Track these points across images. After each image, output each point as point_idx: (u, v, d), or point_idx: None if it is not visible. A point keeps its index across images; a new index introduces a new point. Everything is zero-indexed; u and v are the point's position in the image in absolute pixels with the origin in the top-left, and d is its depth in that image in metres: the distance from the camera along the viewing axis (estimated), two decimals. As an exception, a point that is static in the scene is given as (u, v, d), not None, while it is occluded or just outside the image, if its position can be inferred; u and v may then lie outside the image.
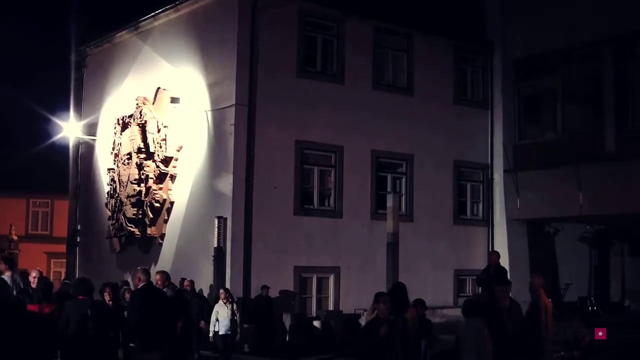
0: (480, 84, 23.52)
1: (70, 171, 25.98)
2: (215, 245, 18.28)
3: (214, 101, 19.34)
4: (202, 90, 19.66)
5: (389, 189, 21.04)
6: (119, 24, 23.34)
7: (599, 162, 20.10)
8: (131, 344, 11.14)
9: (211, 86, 19.50)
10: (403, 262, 18.46)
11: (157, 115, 20.56)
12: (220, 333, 15.43)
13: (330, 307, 19.82)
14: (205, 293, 18.38)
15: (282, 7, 19.61)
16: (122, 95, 23.02)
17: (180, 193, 20.16)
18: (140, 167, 20.52)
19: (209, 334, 15.51)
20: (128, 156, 21.24)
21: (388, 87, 21.60)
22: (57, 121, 24.64)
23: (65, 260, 27.01)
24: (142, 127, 20.64)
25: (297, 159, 19.61)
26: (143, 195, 20.49)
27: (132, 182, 20.76)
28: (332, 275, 20.06)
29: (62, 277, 26.53)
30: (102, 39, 24.47)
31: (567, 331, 11.89)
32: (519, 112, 22.99)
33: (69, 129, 24.32)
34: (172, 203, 20.36)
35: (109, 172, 22.49)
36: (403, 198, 21.18)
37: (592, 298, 23.04)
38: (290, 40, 19.74)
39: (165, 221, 20.43)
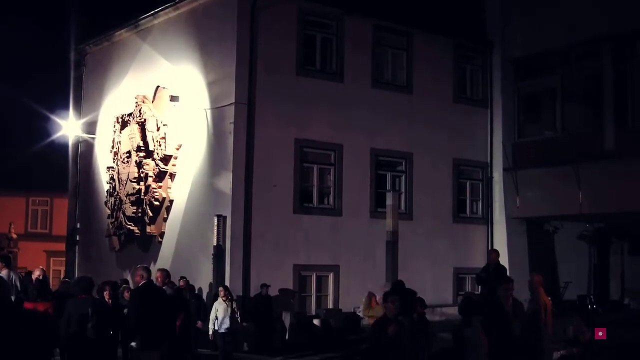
0: (479, 82, 23.51)
1: (70, 169, 25.98)
2: (215, 244, 18.29)
3: (214, 99, 19.33)
4: (201, 88, 19.66)
5: (388, 187, 21.05)
6: (118, 22, 23.32)
7: (599, 160, 20.11)
8: (132, 344, 11.12)
9: (210, 84, 19.49)
10: (402, 261, 18.50)
11: (156, 114, 20.56)
12: (219, 331, 15.41)
13: (330, 306, 19.82)
14: (205, 292, 18.40)
15: (281, 5, 19.60)
16: (121, 93, 23.02)
17: (180, 191, 20.16)
18: (139, 165, 20.51)
19: (209, 332, 15.49)
20: (127, 154, 21.23)
21: (387, 85, 21.60)
22: (57, 120, 24.64)
23: (64, 259, 27.00)
24: (142, 126, 20.63)
25: (296, 157, 19.61)
26: (142, 194, 20.49)
27: (131, 181, 20.75)
28: (331, 274, 20.06)
29: (62, 276, 26.56)
30: (102, 38, 24.46)
31: (567, 329, 11.90)
32: (518, 110, 22.99)
33: (68, 127, 24.29)
34: (171, 201, 20.36)
35: (109, 171, 22.49)
36: (402, 196, 21.18)
37: (591, 296, 23.03)
38: (290, 38, 19.73)
39: (165, 219, 20.43)
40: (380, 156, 21.24)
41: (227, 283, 17.59)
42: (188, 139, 20.02)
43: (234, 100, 18.77)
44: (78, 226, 25.43)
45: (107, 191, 22.54)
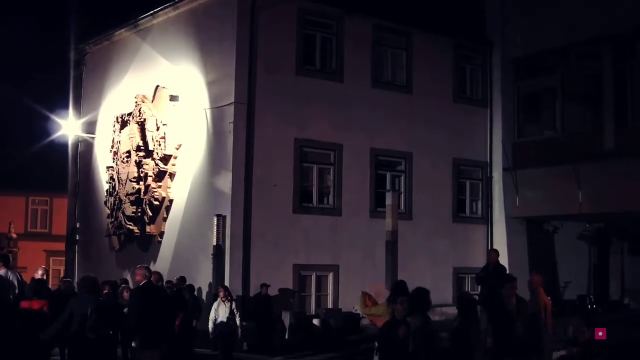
0: (479, 82, 23.51)
1: (70, 169, 25.97)
2: (215, 244, 18.29)
3: (213, 99, 19.33)
4: (201, 88, 19.65)
5: (388, 186, 21.05)
6: (118, 22, 23.32)
7: (598, 160, 20.11)
8: (132, 343, 11.12)
9: (210, 84, 19.49)
10: (402, 260, 18.48)
11: (156, 113, 20.55)
12: (219, 331, 15.38)
13: (330, 305, 19.82)
14: (205, 291, 18.40)
15: (281, 4, 19.60)
16: (121, 93, 23.01)
17: (180, 191, 20.15)
18: (139, 165, 20.51)
19: (209, 332, 15.46)
20: (127, 154, 21.23)
21: (387, 85, 21.59)
22: (56, 119, 24.62)
23: (64, 258, 26.99)
24: (141, 125, 20.63)
25: (296, 157, 19.61)
26: (142, 193, 20.48)
27: (131, 180, 20.75)
28: (331, 273, 20.06)
29: (61, 275, 26.54)
30: (101, 37, 24.45)
31: (567, 329, 11.89)
32: (518, 110, 22.98)
33: (68, 127, 24.27)
34: (171, 201, 20.36)
35: (108, 170, 22.48)
36: (402, 196, 21.16)
37: (591, 296, 23.02)
38: (290, 38, 19.72)
39: (165, 219, 20.43)
40: (380, 156, 21.23)
41: (226, 283, 17.59)
42: (188, 138, 20.02)
43: (233, 100, 18.77)
44: (78, 226, 25.42)
45: (106, 191, 22.53)
